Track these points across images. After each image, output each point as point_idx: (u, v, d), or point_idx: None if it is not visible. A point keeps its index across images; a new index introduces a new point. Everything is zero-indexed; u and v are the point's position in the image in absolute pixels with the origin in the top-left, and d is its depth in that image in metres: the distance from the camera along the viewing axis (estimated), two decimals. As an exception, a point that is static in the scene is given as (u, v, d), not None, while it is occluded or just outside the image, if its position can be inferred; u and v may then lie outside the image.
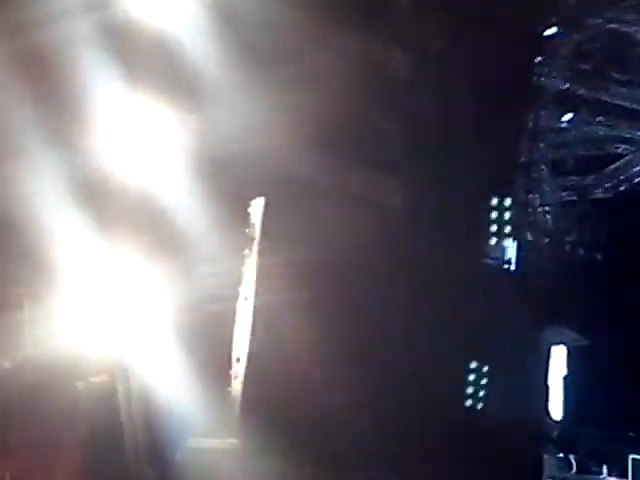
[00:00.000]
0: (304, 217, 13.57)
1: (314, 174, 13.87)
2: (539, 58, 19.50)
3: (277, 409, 11.32)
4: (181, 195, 12.76)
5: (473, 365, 14.93)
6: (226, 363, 12.13)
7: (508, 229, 16.79)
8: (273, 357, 11.79)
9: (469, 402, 14.69)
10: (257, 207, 13.35)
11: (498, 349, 15.15)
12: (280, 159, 13.56)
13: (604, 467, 17.77)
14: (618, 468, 17.36)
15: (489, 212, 16.36)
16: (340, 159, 14.35)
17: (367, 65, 14.56)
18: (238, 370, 12.01)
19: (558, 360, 19.68)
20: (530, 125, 18.99)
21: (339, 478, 11.44)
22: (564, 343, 20.04)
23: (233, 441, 10.92)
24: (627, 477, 17.02)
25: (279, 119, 13.53)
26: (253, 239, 13.05)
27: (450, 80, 15.67)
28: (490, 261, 16.76)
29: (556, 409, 19.25)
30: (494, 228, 16.54)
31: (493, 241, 16.64)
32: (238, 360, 11.87)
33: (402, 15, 15.13)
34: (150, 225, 12.40)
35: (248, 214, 13.28)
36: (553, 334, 19.61)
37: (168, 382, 10.95)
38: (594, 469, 17.79)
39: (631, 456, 17.16)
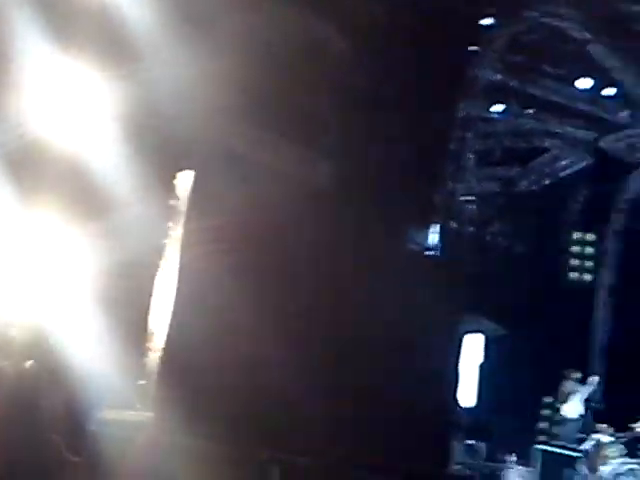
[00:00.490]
0: (231, 191, 13.41)
1: (242, 147, 13.75)
2: (473, 48, 19.57)
3: (195, 383, 11.21)
4: (107, 162, 12.53)
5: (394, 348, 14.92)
6: (144, 335, 11.99)
7: (436, 216, 16.84)
8: (192, 330, 11.65)
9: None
10: (184, 179, 13.18)
11: (417, 334, 15.20)
12: (208, 131, 13.40)
13: (513, 455, 17.99)
14: (526, 457, 17.60)
15: (416, 196, 16.36)
16: (269, 133, 14.23)
17: (301, 39, 14.41)
18: (156, 342, 11.87)
19: (475, 348, 19.88)
20: (460, 114, 19.02)
21: (253, 455, 11.38)
22: (482, 332, 20.25)
23: (148, 414, 10.79)
24: (534, 467, 17.25)
25: (210, 90, 13.34)
26: (178, 211, 12.89)
27: (384, 60, 15.59)
28: (414, 246, 16.79)
29: (470, 396, 19.47)
30: (420, 213, 16.57)
31: (420, 227, 16.67)
32: (156, 333, 11.71)
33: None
34: (74, 190, 12.17)
35: (174, 186, 13.11)
36: (471, 322, 19.81)
37: (84, 351, 10.76)
38: (503, 457, 18.03)
39: (539, 446, 17.38)
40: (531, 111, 21.77)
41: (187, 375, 11.37)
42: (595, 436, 17.13)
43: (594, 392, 20.65)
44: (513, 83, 21.08)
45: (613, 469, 17.25)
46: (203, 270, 12.21)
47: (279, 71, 14.17)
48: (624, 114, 21.67)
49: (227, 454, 11.33)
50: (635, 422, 17.92)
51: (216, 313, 11.67)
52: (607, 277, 23.40)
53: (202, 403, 11.08)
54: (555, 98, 21.52)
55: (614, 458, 17.31)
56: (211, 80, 13.09)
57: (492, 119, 21.74)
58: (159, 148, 12.97)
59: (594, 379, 19.41)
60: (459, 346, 19.23)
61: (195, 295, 12.10)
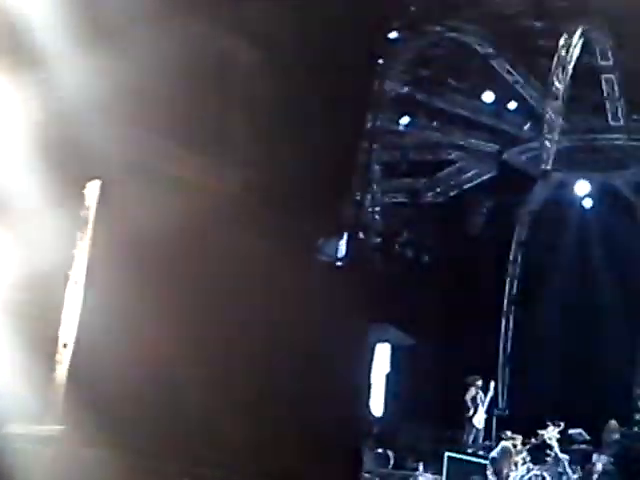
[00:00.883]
0: (140, 201, 13.30)
1: (151, 158, 13.67)
2: (380, 61, 19.78)
3: (103, 397, 11.08)
4: (14, 171, 12.33)
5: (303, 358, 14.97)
6: (53, 347, 11.82)
7: (343, 226, 16.93)
8: (101, 343, 11.53)
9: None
10: (92, 189, 13.02)
11: (326, 344, 15.28)
12: (117, 141, 13.28)
13: (420, 464, 18.18)
14: (434, 465, 17.81)
15: (325, 207, 16.45)
16: (179, 144, 14.17)
17: (210, 51, 14.41)
18: (64, 355, 11.69)
19: (382, 358, 20.06)
20: (368, 126, 19.20)
21: (163, 468, 11.28)
22: (389, 341, 20.43)
23: (57, 428, 10.62)
24: (442, 474, 17.45)
25: (119, 100, 13.22)
26: (87, 221, 12.74)
27: (293, 72, 15.67)
28: (322, 257, 16.89)
29: (377, 406, 19.63)
30: (327, 224, 16.68)
31: (327, 237, 16.76)
32: (65, 345, 11.53)
33: (244, 2, 15.07)
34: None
35: (84, 195, 12.95)
36: (379, 332, 19.98)
37: (-10, 365, 10.58)
38: (411, 465, 18.20)
39: (446, 454, 17.59)
40: (437, 124, 22.10)
41: (94, 387, 11.25)
42: (502, 443, 17.41)
43: (499, 399, 21.06)
44: (420, 96, 21.39)
45: (519, 475, 17.56)
46: (110, 281, 12.10)
47: (189, 82, 14.13)
48: (527, 127, 22.15)
49: (137, 466, 11.23)
50: (542, 429, 18.28)
51: (123, 325, 11.56)
52: (511, 288, 23.88)
53: (110, 415, 10.97)
54: (461, 111, 21.92)
55: (520, 465, 17.62)
56: (120, 90, 13.00)
57: (399, 131, 22.01)
58: (68, 157, 12.80)
59: (492, 384, 19.68)
60: (370, 356, 19.43)
61: (102, 307, 11.98)
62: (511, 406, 22.21)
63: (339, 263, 17.59)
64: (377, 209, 21.34)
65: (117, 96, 12.95)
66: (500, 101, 21.70)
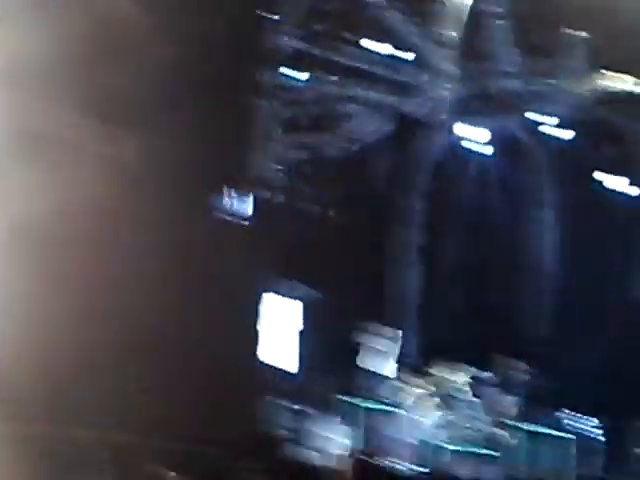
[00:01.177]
0: (37, 170, 13.16)
1: (48, 128, 13.49)
2: (274, 16, 19.72)
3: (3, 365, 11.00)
4: None
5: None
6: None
7: (244, 184, 16.95)
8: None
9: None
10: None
11: (229, 302, 15.32)
12: (13, 109, 13.08)
13: (334, 415, 18.30)
14: (349, 417, 17.96)
15: (224, 166, 16.43)
16: (74, 112, 14.01)
17: (104, 15, 14.24)
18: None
19: (293, 314, 20.11)
20: (264, 82, 19.15)
21: (68, 435, 11.27)
22: (298, 298, 20.48)
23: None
24: (357, 425, 17.62)
25: (13, 68, 13.01)
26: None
27: (187, 33, 15.60)
28: (226, 216, 16.88)
29: (292, 362, 19.68)
30: (229, 183, 16.67)
31: (229, 196, 16.75)
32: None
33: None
34: None
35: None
36: (288, 289, 20.05)
37: None
38: (324, 418, 18.32)
39: (360, 404, 17.77)
40: (336, 78, 22.08)
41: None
42: (414, 390, 17.64)
43: (410, 347, 21.26)
44: (316, 51, 21.33)
45: (432, 421, 17.84)
46: (8, 257, 11.99)
47: (82, 47, 13.94)
48: (424, 78, 22.25)
49: (49, 435, 11.20)
50: (453, 374, 18.58)
51: (22, 299, 11.49)
52: (413, 236, 24.09)
53: (12, 385, 10.92)
54: (358, 64, 21.90)
55: (427, 409, 17.87)
56: (18, 63, 12.79)
57: (298, 87, 21.93)
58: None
59: (397, 331, 19.81)
60: (279, 312, 19.55)
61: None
62: (416, 351, 22.47)
63: (244, 222, 17.63)
64: (279, 166, 21.29)
65: (12, 65, 12.72)
66: (396, 52, 21.72)
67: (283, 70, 20.62)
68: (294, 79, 21.64)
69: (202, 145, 15.50)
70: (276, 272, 18.43)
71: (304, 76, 21.83)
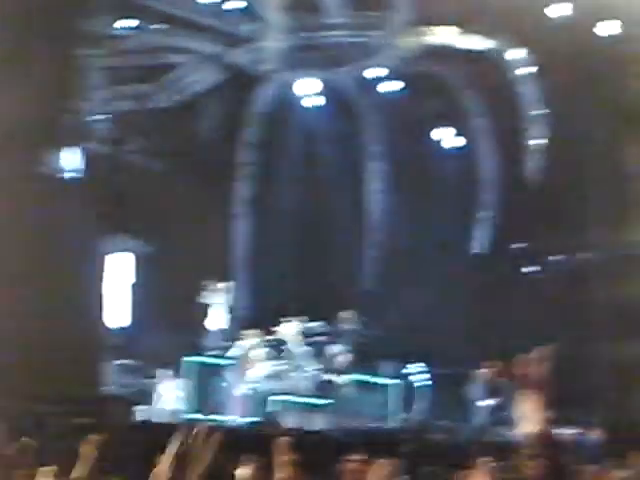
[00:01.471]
0: None
1: None
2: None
3: None
4: None
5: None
6: None
7: (68, 137, 16.46)
8: None
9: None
10: None
11: (60, 260, 14.96)
12: None
13: (163, 370, 18.20)
14: (177, 371, 17.86)
15: (49, 119, 15.91)
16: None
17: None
18: None
19: (125, 268, 19.77)
20: (86, 31, 18.56)
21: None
22: (130, 251, 20.15)
23: None
24: (185, 378, 17.54)
25: None
26: None
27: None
28: (50, 170, 16.38)
29: (124, 317, 19.40)
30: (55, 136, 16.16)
31: (53, 149, 16.25)
32: None
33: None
34: None
35: None
36: (118, 242, 19.69)
37: None
38: (157, 373, 18.18)
39: (188, 358, 17.68)
40: (159, 27, 21.63)
41: None
42: (241, 342, 17.66)
43: (237, 299, 21.35)
44: (139, -1, 20.85)
45: (260, 373, 17.93)
46: None
47: None
48: (248, 27, 22.07)
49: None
50: (280, 325, 18.70)
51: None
52: (243, 189, 24.07)
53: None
54: (181, 13, 21.51)
55: (260, 362, 17.98)
56: None
57: (120, 36, 21.39)
58: None
59: (230, 285, 19.79)
60: (110, 267, 19.16)
61: None
62: (250, 305, 22.57)
63: (69, 175, 17.13)
64: (104, 117, 20.79)
65: None
66: (220, 2, 21.47)
67: (104, 19, 20.03)
68: (118, 28, 21.09)
69: (25, 97, 14.95)
70: (107, 225, 18.03)
71: (128, 25, 21.27)
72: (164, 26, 21.44)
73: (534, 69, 22.14)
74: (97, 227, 17.01)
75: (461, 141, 24.79)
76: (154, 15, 21.10)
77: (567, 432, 18.87)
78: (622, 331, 21.32)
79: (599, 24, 20.99)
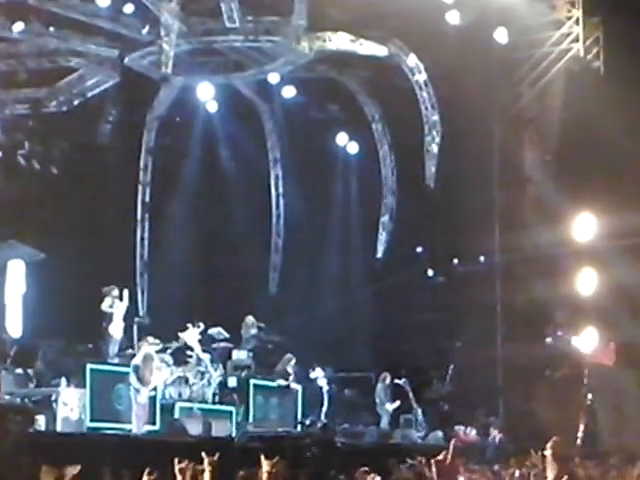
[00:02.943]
0: None
1: None
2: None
3: None
4: None
5: None
6: None
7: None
8: None
9: None
10: None
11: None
12: None
13: (63, 378, 17.88)
14: (77, 379, 17.55)
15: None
16: None
17: None
18: None
19: (16, 276, 19.28)
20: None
21: None
22: (21, 258, 19.66)
23: None
24: (85, 386, 17.26)
25: None
26: None
27: None
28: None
29: (15, 326, 18.92)
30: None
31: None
32: None
33: None
34: None
35: None
36: (8, 249, 19.21)
37: None
38: (53, 381, 17.82)
39: (88, 366, 17.40)
40: (53, 29, 21.21)
41: None
42: (143, 349, 17.43)
43: (139, 306, 21.12)
44: (32, 1, 20.39)
45: (162, 379, 17.73)
46: None
47: None
48: (145, 31, 21.80)
49: None
50: (182, 331, 18.54)
51: None
52: (143, 194, 23.86)
53: None
54: (76, 16, 21.12)
55: (164, 368, 17.80)
56: None
57: (13, 39, 20.92)
58: None
59: (126, 293, 19.44)
60: (1, 274, 18.69)
61: None
62: (151, 312, 22.32)
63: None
64: (-3, 122, 20.35)
65: None
66: (116, 4, 21.15)
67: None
68: (9, 30, 20.60)
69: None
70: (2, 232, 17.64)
71: (19, 27, 20.78)
72: (58, 28, 21.01)
73: (427, 75, 22.45)
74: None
75: (361, 146, 24.98)
76: (50, 18, 20.68)
77: (471, 433, 19.25)
78: (524, 333, 21.73)
79: (491, 31, 21.42)
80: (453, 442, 7.16)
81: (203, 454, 7.19)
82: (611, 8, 21.92)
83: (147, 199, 23.90)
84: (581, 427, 20.08)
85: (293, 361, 19.98)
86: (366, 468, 10.55)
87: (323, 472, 14.49)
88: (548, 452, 7.77)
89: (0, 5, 19.54)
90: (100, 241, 21.63)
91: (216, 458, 7.18)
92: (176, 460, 7.18)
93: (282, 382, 19.80)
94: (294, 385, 20.06)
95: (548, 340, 21.99)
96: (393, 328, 22.90)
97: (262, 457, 7.34)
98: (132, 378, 16.91)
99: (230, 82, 23.53)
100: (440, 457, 6.80)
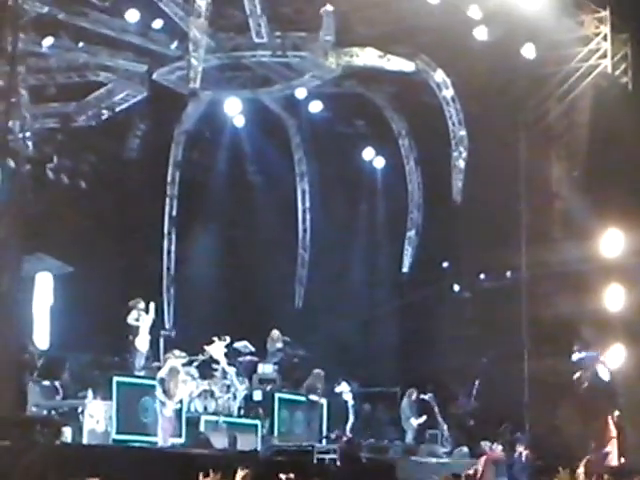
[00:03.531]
0: None
1: None
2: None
3: None
4: None
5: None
6: None
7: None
8: None
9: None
10: None
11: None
12: None
13: (89, 391, 17.98)
14: (104, 392, 17.65)
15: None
16: None
17: None
18: None
19: (44, 288, 19.44)
20: (8, 48, 18.28)
21: None
22: (49, 271, 19.83)
23: None
24: (112, 399, 17.35)
25: None
26: None
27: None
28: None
29: (42, 338, 19.07)
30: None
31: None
32: None
33: None
34: None
35: None
36: (37, 262, 19.38)
37: None
38: (80, 394, 17.92)
39: (115, 379, 17.50)
40: (83, 45, 21.42)
41: None
42: (169, 362, 17.51)
43: (165, 320, 21.18)
44: (62, 16, 20.59)
45: (188, 392, 17.81)
46: None
47: None
48: (174, 46, 21.99)
49: None
50: (208, 345, 18.60)
51: None
52: (170, 208, 24.02)
53: None
54: (106, 31, 21.34)
55: (190, 381, 17.87)
56: None
57: (44, 54, 21.13)
58: None
59: (152, 306, 19.47)
60: (31, 287, 18.86)
61: None
62: (177, 325, 22.42)
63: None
64: (27, 135, 20.48)
65: None
66: (145, 20, 21.35)
67: (28, 36, 19.76)
68: (39, 45, 20.80)
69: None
70: (27, 245, 17.76)
71: (48, 42, 20.97)
72: (87, 44, 21.21)
73: (454, 91, 22.48)
74: (19, 248, 16.80)
75: (387, 161, 25.04)
76: (79, 33, 20.88)
77: (497, 449, 19.14)
78: (550, 349, 21.60)
79: (518, 47, 21.40)
80: (484, 458, 7.14)
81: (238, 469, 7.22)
82: (639, 24, 21.85)
83: (174, 213, 24.06)
84: (609, 444, 19.92)
85: (323, 375, 20.02)
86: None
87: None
88: (580, 470, 7.73)
89: (30, 20, 19.70)
90: (127, 254, 21.76)
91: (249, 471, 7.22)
92: (201, 474, 7.23)
93: (314, 397, 19.83)
94: (319, 399, 20.06)
95: (575, 356, 21.86)
96: (418, 343, 22.86)
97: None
98: (158, 391, 16.99)
99: (257, 97, 23.67)
100: (470, 472, 6.80)
